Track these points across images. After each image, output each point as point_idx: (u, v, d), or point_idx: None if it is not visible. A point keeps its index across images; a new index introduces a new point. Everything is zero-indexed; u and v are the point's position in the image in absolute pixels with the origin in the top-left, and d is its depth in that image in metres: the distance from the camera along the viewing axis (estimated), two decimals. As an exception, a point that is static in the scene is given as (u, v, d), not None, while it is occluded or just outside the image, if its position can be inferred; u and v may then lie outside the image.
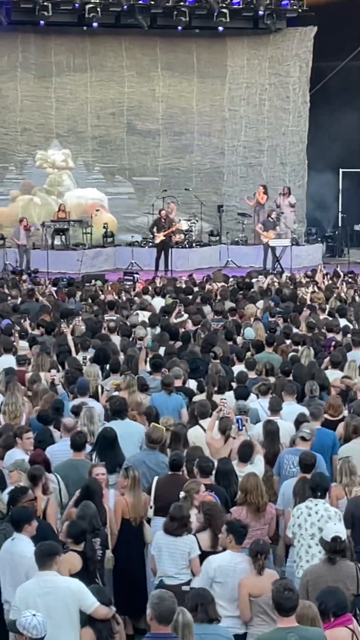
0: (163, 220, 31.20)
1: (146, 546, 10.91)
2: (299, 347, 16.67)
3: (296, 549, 10.12)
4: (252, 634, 8.98)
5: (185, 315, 19.70)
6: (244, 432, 12.22)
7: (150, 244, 31.80)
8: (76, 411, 12.71)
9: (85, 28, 34.65)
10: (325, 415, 13.09)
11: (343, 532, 9.02)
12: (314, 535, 9.91)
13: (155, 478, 11.18)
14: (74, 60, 35.59)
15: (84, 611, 8.34)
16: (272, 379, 14.61)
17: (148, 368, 15.53)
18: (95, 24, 33.87)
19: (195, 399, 13.85)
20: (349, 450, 11.79)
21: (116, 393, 13.69)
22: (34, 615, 7.46)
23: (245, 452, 11.46)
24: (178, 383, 14.31)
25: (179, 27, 34.78)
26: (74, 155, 35.70)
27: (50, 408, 12.92)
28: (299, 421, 12.59)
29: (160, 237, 30.91)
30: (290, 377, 14.77)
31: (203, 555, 9.64)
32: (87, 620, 8.50)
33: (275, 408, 13.05)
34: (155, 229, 31.31)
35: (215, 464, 11.25)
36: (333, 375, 14.99)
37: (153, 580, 10.32)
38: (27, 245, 30.88)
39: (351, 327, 18.84)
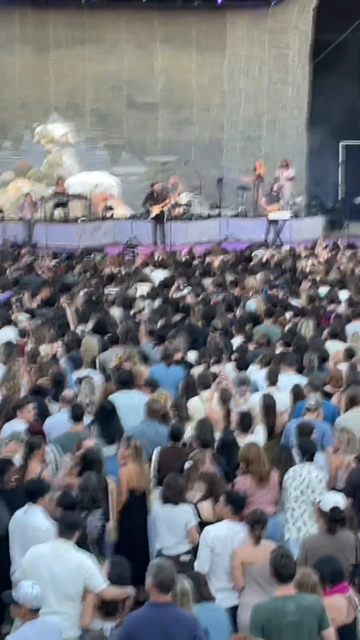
0: (156, 194, 31.06)
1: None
2: (298, 319, 16.66)
3: (285, 513, 10.25)
4: (243, 604, 8.95)
5: (186, 290, 19.66)
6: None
7: (150, 217, 31.61)
8: (81, 382, 12.75)
9: (83, 1, 34.38)
10: (327, 387, 13.08)
11: (342, 502, 9.03)
12: (297, 498, 10.20)
13: (157, 449, 11.16)
14: (72, 34, 35.34)
15: (91, 591, 8.30)
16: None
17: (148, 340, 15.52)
18: (93, -3, 33.75)
19: (193, 370, 13.85)
20: (347, 420, 11.82)
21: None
22: (32, 585, 7.47)
23: (245, 422, 11.46)
24: (178, 355, 14.31)
25: (178, 0, 34.59)
26: (73, 130, 35.43)
27: (52, 380, 12.93)
28: (294, 392, 12.65)
29: (155, 211, 30.80)
30: (291, 349, 14.76)
31: (204, 525, 9.61)
32: None
33: (272, 379, 13.04)
34: (148, 203, 31.16)
35: (216, 435, 11.26)
36: (332, 347, 14.96)
37: (152, 551, 10.33)
38: (32, 219, 30.71)
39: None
